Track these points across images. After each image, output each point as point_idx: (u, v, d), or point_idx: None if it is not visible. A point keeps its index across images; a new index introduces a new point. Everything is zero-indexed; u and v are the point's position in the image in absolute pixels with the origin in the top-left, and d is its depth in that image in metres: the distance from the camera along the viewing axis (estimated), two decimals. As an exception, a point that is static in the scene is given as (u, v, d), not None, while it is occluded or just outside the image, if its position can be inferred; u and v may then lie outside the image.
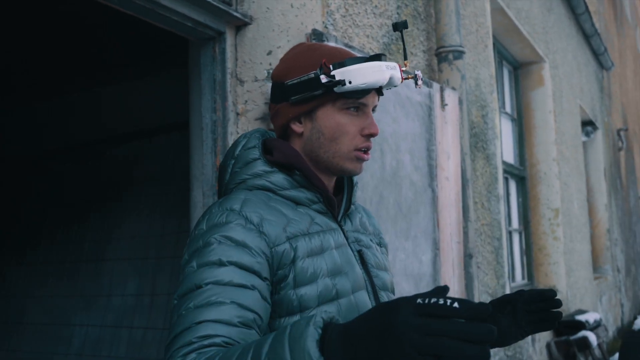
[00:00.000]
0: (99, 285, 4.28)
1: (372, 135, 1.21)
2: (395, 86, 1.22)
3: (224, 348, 0.93)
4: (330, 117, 1.19)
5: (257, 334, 1.01)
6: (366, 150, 1.22)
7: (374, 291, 1.22)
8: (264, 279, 1.06)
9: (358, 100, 1.18)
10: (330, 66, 1.16)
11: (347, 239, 1.23)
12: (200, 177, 2.18)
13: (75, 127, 4.78)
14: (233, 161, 1.22)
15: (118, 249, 4.29)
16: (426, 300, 0.72)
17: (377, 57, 1.19)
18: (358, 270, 1.19)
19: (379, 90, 1.22)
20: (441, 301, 0.71)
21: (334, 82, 1.15)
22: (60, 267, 4.56)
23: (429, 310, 0.71)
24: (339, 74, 1.15)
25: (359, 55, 1.23)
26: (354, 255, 1.21)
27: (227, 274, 1.03)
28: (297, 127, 1.22)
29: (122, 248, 4.27)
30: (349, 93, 1.16)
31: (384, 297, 1.24)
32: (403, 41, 1.30)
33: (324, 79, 1.16)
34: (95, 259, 4.39)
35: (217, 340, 0.96)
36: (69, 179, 4.77)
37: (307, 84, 1.18)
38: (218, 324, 0.97)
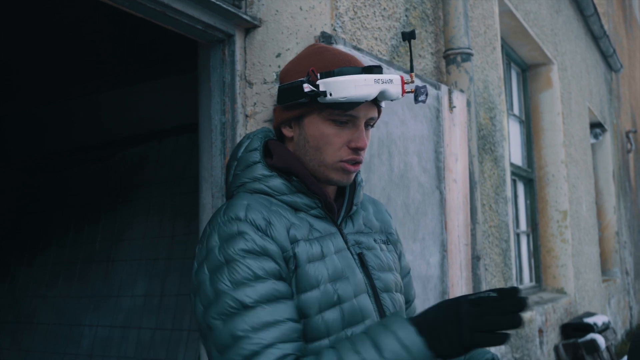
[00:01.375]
0: (109, 286, 4.31)
1: (359, 149, 1.17)
2: (393, 100, 1.17)
3: None
4: (315, 127, 1.17)
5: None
6: (355, 163, 1.19)
7: (374, 294, 1.21)
8: (290, 280, 1.10)
9: (346, 112, 1.15)
10: (318, 75, 1.14)
11: (346, 242, 1.21)
12: (209, 178, 2.20)
13: (85, 129, 4.81)
14: (235, 163, 1.22)
15: (128, 250, 4.32)
16: (476, 296, 1.00)
17: (369, 70, 1.15)
18: (359, 274, 1.19)
19: (376, 102, 1.19)
20: (483, 294, 1.00)
21: (315, 93, 1.13)
22: (71, 268, 4.60)
23: (478, 302, 0.99)
24: (323, 84, 1.13)
25: (370, 62, 1.21)
26: (354, 258, 1.20)
27: (267, 287, 1.06)
28: (287, 132, 1.22)
29: (131, 249, 4.30)
30: (335, 104, 1.14)
31: (387, 299, 1.23)
32: (411, 52, 1.28)
33: (306, 88, 1.14)
34: (106, 259, 4.42)
35: (291, 359, 1.02)
36: (79, 181, 4.81)
37: (294, 90, 1.17)
38: (285, 344, 1.03)
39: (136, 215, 4.36)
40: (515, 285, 3.81)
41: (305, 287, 1.10)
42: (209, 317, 1.06)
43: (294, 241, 1.12)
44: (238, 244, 1.08)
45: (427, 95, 1.25)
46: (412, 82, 1.22)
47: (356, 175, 1.29)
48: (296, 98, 1.16)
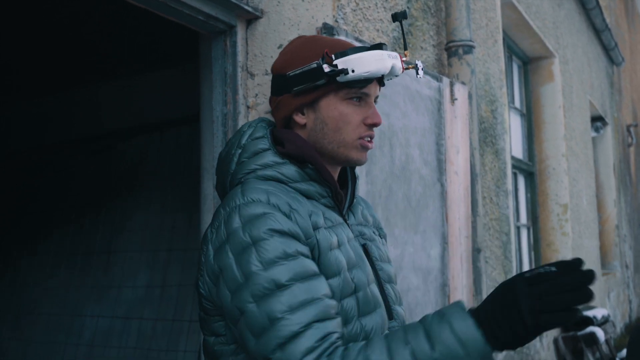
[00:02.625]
0: (110, 276, 4.32)
1: (375, 124, 1.20)
2: (396, 76, 1.22)
3: (346, 346, 1.00)
4: (333, 107, 1.18)
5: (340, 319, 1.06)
6: (370, 139, 1.21)
7: (379, 284, 1.22)
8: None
9: (360, 89, 1.18)
10: (333, 56, 1.15)
11: (352, 233, 1.22)
12: (210, 169, 2.20)
13: (83, 121, 4.81)
14: (240, 150, 1.19)
15: (129, 241, 4.33)
16: (532, 273, 0.91)
17: (378, 47, 1.18)
18: (368, 263, 1.20)
19: (380, 81, 1.22)
20: (542, 270, 0.91)
21: (336, 71, 1.14)
22: (72, 258, 4.61)
23: (536, 279, 0.90)
24: (341, 63, 1.14)
25: (359, 45, 1.23)
26: (361, 249, 1.22)
27: (300, 265, 1.03)
28: (300, 119, 1.21)
29: (133, 240, 4.31)
30: (352, 82, 1.16)
31: (389, 289, 1.24)
32: (402, 31, 1.31)
33: (326, 68, 1.15)
34: (107, 250, 4.43)
35: (334, 338, 1.00)
36: (80, 173, 4.82)
37: (310, 74, 1.17)
38: (325, 322, 1.00)
39: (138, 206, 4.37)
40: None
41: (328, 275, 1.09)
42: (240, 300, 1.02)
43: (316, 228, 1.11)
44: (265, 224, 1.05)
45: (423, 70, 1.30)
46: (407, 59, 1.25)
47: (354, 169, 1.31)
48: (314, 81, 1.17)
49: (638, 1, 11.32)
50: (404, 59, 1.23)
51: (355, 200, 1.29)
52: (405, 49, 1.29)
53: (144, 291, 4.11)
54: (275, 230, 1.05)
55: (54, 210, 4.87)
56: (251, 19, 2.18)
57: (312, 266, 1.05)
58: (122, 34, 4.33)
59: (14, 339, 4.63)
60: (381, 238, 1.35)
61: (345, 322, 1.09)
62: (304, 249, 1.07)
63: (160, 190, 4.28)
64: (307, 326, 0.98)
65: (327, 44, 1.20)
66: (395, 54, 1.21)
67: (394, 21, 1.32)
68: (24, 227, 5.03)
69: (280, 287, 1.00)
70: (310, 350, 0.97)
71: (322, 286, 1.04)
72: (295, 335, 0.98)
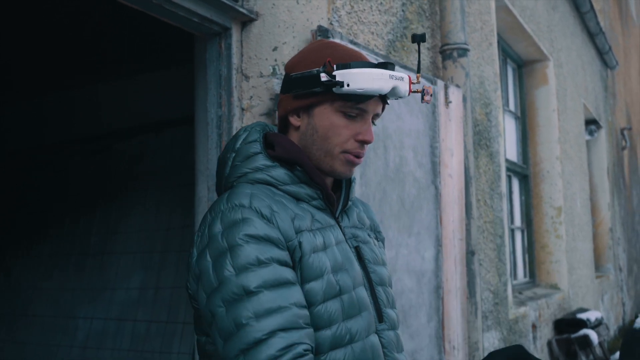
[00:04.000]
0: (104, 278, 4.31)
1: (366, 142, 1.19)
2: (400, 97, 1.20)
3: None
4: (326, 117, 1.18)
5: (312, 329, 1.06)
6: (358, 156, 1.21)
7: (370, 287, 1.22)
8: (294, 270, 1.09)
9: (357, 104, 1.17)
10: (334, 66, 1.16)
11: (344, 235, 1.23)
12: (205, 171, 2.20)
13: (81, 121, 4.80)
14: (234, 154, 1.22)
15: (124, 242, 4.32)
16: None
17: (384, 65, 1.17)
18: (356, 266, 1.20)
19: (383, 99, 1.21)
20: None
21: (332, 82, 1.15)
22: (66, 260, 4.60)
23: None
24: (339, 75, 1.14)
25: (374, 60, 1.21)
26: (352, 251, 1.22)
27: (271, 273, 1.05)
28: (294, 120, 1.22)
29: (127, 242, 4.30)
30: (347, 96, 1.16)
31: (381, 292, 1.25)
32: (419, 54, 1.28)
33: (323, 77, 1.15)
34: (101, 252, 4.42)
35: (300, 349, 1.00)
36: (75, 173, 4.81)
37: (309, 79, 1.18)
38: (291, 332, 1.01)
39: (132, 207, 4.36)
40: (508, 280, 3.83)
41: (310, 277, 1.10)
42: (212, 304, 1.05)
43: (299, 231, 1.12)
44: (242, 230, 1.07)
45: (431, 95, 1.27)
46: (418, 82, 1.24)
47: None
48: (310, 87, 1.17)
49: (632, 5, 11.38)
50: (413, 82, 1.21)
51: (350, 202, 1.30)
52: (419, 72, 1.27)
53: (138, 293, 4.11)
54: (251, 235, 1.07)
55: (49, 212, 4.86)
56: (246, 21, 2.18)
57: (285, 274, 1.06)
58: (121, 34, 4.32)
59: (9, 341, 4.61)
60: (378, 241, 1.35)
61: (329, 324, 1.10)
62: (281, 255, 1.08)
63: (155, 191, 4.28)
64: (271, 334, 1.00)
65: (336, 52, 1.20)
66: (402, 75, 1.19)
67: (413, 42, 1.30)
68: (18, 228, 5.01)
69: (248, 293, 1.02)
70: (272, 359, 0.98)
71: (292, 295, 1.05)
72: (258, 342, 0.99)
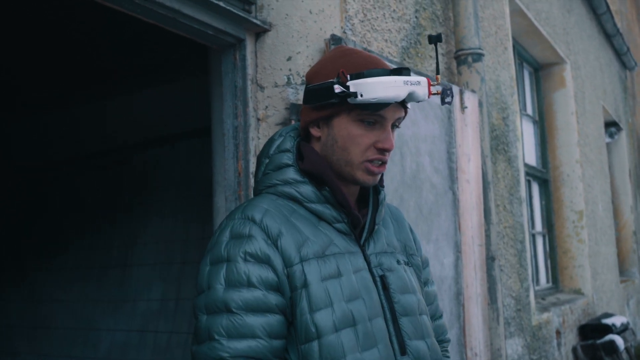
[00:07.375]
0: (125, 290, 4.35)
1: (386, 150, 1.18)
2: (420, 101, 1.19)
3: None
4: (344, 127, 1.18)
5: None
6: (381, 164, 1.20)
7: (393, 318, 1.18)
8: (286, 297, 1.10)
9: (374, 113, 1.16)
10: (348, 76, 1.15)
11: (368, 263, 1.19)
12: (222, 182, 2.21)
13: (99, 134, 4.87)
14: (267, 160, 1.23)
15: (143, 254, 4.36)
16: None
17: (398, 72, 1.16)
18: (375, 296, 1.16)
19: (403, 103, 1.19)
20: None
21: (346, 94, 1.14)
22: (88, 272, 4.65)
23: None
24: (353, 85, 1.14)
25: (392, 66, 1.19)
26: (376, 280, 1.18)
27: (257, 298, 1.07)
28: (315, 132, 1.22)
29: (146, 253, 4.34)
30: (364, 105, 1.15)
31: (406, 323, 1.19)
32: (437, 55, 1.28)
33: (337, 88, 1.15)
34: (122, 264, 4.46)
35: None
36: (93, 186, 4.87)
37: (324, 91, 1.17)
38: None
39: (150, 219, 4.40)
40: (530, 285, 3.78)
41: (317, 305, 1.09)
42: (198, 305, 1.11)
43: (305, 259, 1.11)
44: (244, 246, 1.10)
45: (452, 97, 1.25)
46: (438, 83, 1.22)
47: (379, 192, 1.28)
48: (326, 99, 1.17)
49: (650, 5, 11.23)
50: (433, 83, 1.20)
51: (377, 226, 1.26)
52: (438, 73, 1.26)
53: (159, 304, 4.13)
54: (251, 254, 1.09)
55: (67, 224, 4.92)
56: (260, 32, 2.20)
57: (271, 301, 1.08)
58: (129, 44, 4.36)
59: (31, 353, 4.66)
60: (409, 266, 1.28)
61: (344, 355, 1.09)
62: (271, 279, 1.09)
63: (172, 203, 4.31)
64: (236, 358, 1.04)
65: (351, 61, 1.19)
66: (419, 79, 1.17)
67: (429, 43, 1.29)
68: (38, 240, 5.08)
69: (228, 311, 1.06)
70: None
71: (269, 325, 1.07)
72: None
